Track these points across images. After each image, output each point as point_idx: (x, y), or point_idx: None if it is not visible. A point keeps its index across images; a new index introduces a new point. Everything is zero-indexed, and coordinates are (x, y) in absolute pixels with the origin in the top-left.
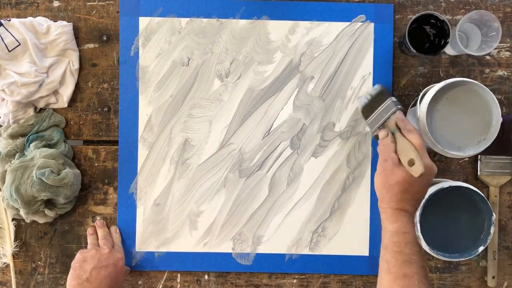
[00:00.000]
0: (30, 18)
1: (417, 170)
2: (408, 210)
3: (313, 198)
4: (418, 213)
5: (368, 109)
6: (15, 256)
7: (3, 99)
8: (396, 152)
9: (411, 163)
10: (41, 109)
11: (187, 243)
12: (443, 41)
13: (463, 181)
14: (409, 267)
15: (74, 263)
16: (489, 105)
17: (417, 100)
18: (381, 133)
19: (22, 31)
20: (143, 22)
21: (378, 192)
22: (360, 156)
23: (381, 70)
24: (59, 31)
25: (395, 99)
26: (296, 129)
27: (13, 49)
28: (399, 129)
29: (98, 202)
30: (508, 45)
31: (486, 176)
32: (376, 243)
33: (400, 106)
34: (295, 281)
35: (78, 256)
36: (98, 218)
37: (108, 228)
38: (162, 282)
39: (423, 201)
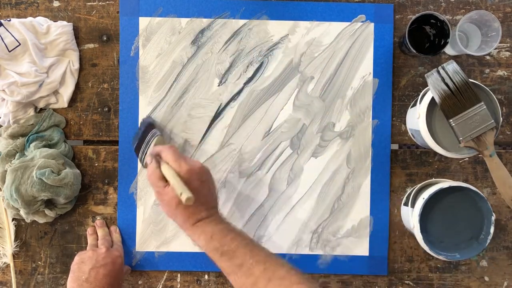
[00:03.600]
0: (30, 18)
1: (183, 198)
2: (202, 217)
3: (313, 198)
4: (418, 213)
5: (138, 147)
6: (15, 256)
7: (3, 99)
8: (162, 177)
9: (177, 190)
10: (41, 109)
11: (187, 243)
12: (443, 41)
13: (463, 181)
14: (235, 257)
15: (73, 265)
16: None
17: (417, 100)
18: (148, 159)
19: (22, 31)
20: (143, 22)
21: (170, 218)
22: (360, 156)
23: (381, 70)
24: (59, 31)
25: (154, 130)
26: (296, 129)
27: (13, 49)
28: (160, 157)
29: (98, 202)
30: (508, 45)
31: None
32: (376, 243)
33: (156, 134)
34: None
35: (76, 258)
36: (98, 218)
37: (108, 228)
38: (162, 282)
39: (423, 201)
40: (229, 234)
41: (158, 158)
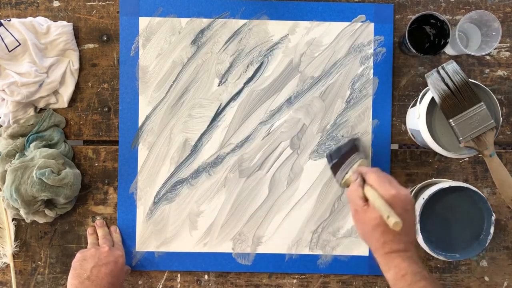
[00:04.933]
0: (30, 18)
1: (391, 222)
2: (399, 249)
3: (313, 198)
4: (418, 213)
5: (337, 164)
6: (15, 256)
7: (3, 99)
8: (363, 196)
9: (384, 214)
10: (41, 109)
11: (187, 243)
12: (443, 41)
13: (463, 181)
14: None
15: (74, 262)
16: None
17: (417, 100)
18: (353, 177)
19: (22, 31)
20: (143, 22)
21: (363, 239)
22: None
23: (381, 70)
24: (59, 31)
25: (359, 153)
26: (296, 129)
27: (13, 49)
28: (364, 179)
29: (98, 202)
30: (508, 45)
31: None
32: None
33: (360, 157)
34: (295, 281)
35: (78, 255)
36: (98, 218)
37: (108, 228)
38: (162, 282)
39: (423, 201)
40: (423, 281)
41: (360, 177)
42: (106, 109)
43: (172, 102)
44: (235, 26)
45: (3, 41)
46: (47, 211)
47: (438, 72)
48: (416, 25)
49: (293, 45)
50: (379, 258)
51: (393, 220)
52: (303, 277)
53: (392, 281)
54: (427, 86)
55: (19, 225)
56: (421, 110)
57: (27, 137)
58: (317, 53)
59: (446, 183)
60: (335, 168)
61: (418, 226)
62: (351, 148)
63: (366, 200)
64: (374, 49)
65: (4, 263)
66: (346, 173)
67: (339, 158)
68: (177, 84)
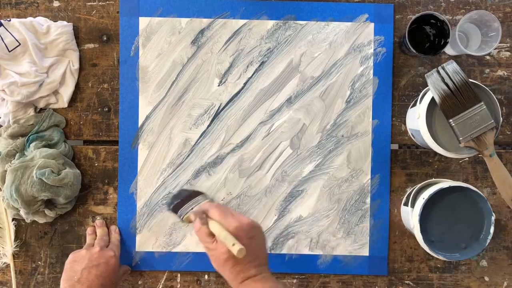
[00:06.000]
0: (30, 18)
1: (235, 249)
2: (251, 275)
3: (313, 198)
4: (418, 213)
5: (178, 205)
6: (15, 256)
7: (3, 99)
8: (210, 233)
9: (229, 244)
10: (41, 109)
11: (187, 243)
12: (443, 41)
13: (463, 181)
14: None
15: (66, 264)
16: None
17: (417, 100)
18: (192, 217)
19: (22, 31)
20: (143, 22)
21: (220, 273)
22: (360, 156)
23: (381, 70)
24: (59, 31)
25: (204, 195)
26: (296, 129)
27: (13, 49)
28: (207, 215)
29: (98, 202)
30: (508, 45)
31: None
32: (376, 243)
33: (206, 199)
34: (295, 281)
35: (70, 257)
36: (98, 218)
37: (108, 228)
38: (162, 282)
39: (423, 201)
40: None
41: (203, 215)
42: (106, 109)
43: (172, 102)
44: (235, 26)
45: (3, 41)
46: (47, 211)
47: (438, 72)
48: (416, 25)
49: (293, 45)
50: None
51: (236, 247)
52: (303, 277)
53: None
54: (427, 86)
55: (19, 225)
56: (421, 110)
57: (27, 137)
58: (317, 53)
59: (446, 183)
60: (175, 208)
61: (418, 226)
62: (194, 192)
63: (213, 236)
64: (374, 49)
65: (4, 263)
66: (191, 209)
67: (181, 199)
68: (177, 84)
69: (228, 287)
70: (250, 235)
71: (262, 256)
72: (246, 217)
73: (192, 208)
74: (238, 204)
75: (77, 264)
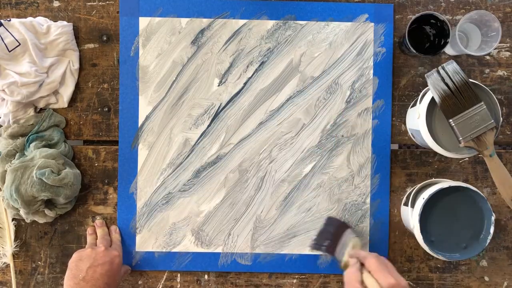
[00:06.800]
0: (30, 18)
1: None
2: None
3: (313, 198)
4: (418, 213)
5: (331, 244)
6: (15, 256)
7: (3, 99)
8: (361, 281)
9: None
10: (41, 109)
11: (187, 243)
12: (443, 41)
13: (463, 181)
14: None
15: (71, 263)
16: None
17: (417, 100)
18: (351, 261)
19: (22, 31)
20: (143, 22)
21: None
22: (360, 156)
23: (381, 70)
24: (59, 31)
25: (350, 230)
26: (296, 129)
27: (13, 49)
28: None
29: (98, 202)
30: (508, 45)
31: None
32: (376, 243)
33: (353, 235)
34: (295, 281)
35: (74, 255)
36: (98, 218)
37: (108, 228)
38: (162, 282)
39: (423, 201)
40: None
41: (359, 263)
42: (106, 109)
43: (172, 102)
44: (235, 26)
45: (3, 41)
46: (47, 211)
47: (438, 72)
48: (416, 25)
49: (293, 45)
50: None
51: None
52: (303, 277)
53: None
54: (427, 86)
55: (19, 225)
56: (421, 110)
57: (27, 137)
58: (317, 53)
59: (446, 183)
60: (330, 250)
61: (418, 226)
62: (338, 225)
63: (363, 284)
64: (374, 49)
65: (4, 263)
66: (343, 254)
67: (331, 240)
68: (177, 84)
69: (228, 287)
70: None
71: None
72: (402, 278)
73: (343, 254)
74: (237, 204)
75: (82, 263)
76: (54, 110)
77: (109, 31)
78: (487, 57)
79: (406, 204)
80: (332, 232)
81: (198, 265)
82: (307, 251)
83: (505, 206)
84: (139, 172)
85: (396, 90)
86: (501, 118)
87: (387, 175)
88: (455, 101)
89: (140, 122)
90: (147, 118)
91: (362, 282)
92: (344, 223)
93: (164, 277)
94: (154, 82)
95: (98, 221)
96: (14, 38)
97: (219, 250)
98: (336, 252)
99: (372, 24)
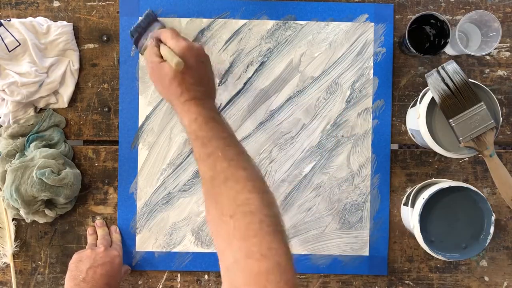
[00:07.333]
0: (30, 18)
1: (173, 62)
2: (195, 96)
3: (313, 198)
4: (418, 213)
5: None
6: (15, 256)
7: (3, 99)
8: (159, 54)
9: (169, 58)
10: (41, 109)
11: (187, 243)
12: (443, 41)
13: (463, 181)
14: (207, 146)
15: (71, 264)
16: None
17: (417, 100)
18: (149, 41)
19: (22, 31)
20: None
21: (162, 95)
22: (360, 156)
23: (381, 70)
24: (59, 31)
25: (159, 23)
26: (296, 129)
27: (13, 49)
28: (161, 41)
29: (98, 202)
30: (508, 45)
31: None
32: (376, 243)
33: (161, 25)
34: None
35: (75, 256)
36: (98, 218)
37: (108, 228)
38: (162, 282)
39: (423, 201)
40: (212, 122)
41: (158, 40)
42: (106, 109)
43: None
44: (235, 26)
45: (3, 41)
46: (47, 211)
47: (438, 72)
48: (416, 25)
49: (293, 45)
50: (177, 109)
51: (175, 60)
52: (303, 277)
53: (187, 127)
54: (427, 86)
55: (19, 225)
56: (421, 110)
57: (27, 137)
58: (317, 53)
59: (446, 183)
60: (136, 42)
61: (418, 226)
62: (150, 20)
63: (162, 57)
64: (374, 49)
65: (4, 263)
66: (146, 39)
67: (141, 29)
68: None
69: None
70: (201, 59)
71: (210, 86)
72: (199, 44)
73: (146, 39)
74: None
75: (82, 264)
76: (54, 110)
77: (109, 31)
78: (487, 57)
79: (406, 204)
80: (144, 26)
81: (198, 265)
82: (307, 251)
83: (505, 206)
84: (139, 172)
85: (396, 90)
86: (501, 118)
87: (387, 175)
88: (455, 101)
89: (140, 122)
90: (147, 118)
91: (159, 55)
92: (156, 18)
93: (164, 277)
94: None
95: (98, 221)
96: (14, 38)
97: None
98: (141, 38)
99: (372, 24)
